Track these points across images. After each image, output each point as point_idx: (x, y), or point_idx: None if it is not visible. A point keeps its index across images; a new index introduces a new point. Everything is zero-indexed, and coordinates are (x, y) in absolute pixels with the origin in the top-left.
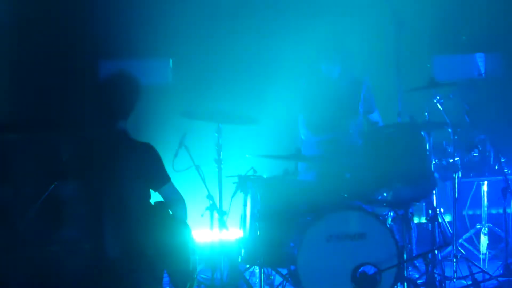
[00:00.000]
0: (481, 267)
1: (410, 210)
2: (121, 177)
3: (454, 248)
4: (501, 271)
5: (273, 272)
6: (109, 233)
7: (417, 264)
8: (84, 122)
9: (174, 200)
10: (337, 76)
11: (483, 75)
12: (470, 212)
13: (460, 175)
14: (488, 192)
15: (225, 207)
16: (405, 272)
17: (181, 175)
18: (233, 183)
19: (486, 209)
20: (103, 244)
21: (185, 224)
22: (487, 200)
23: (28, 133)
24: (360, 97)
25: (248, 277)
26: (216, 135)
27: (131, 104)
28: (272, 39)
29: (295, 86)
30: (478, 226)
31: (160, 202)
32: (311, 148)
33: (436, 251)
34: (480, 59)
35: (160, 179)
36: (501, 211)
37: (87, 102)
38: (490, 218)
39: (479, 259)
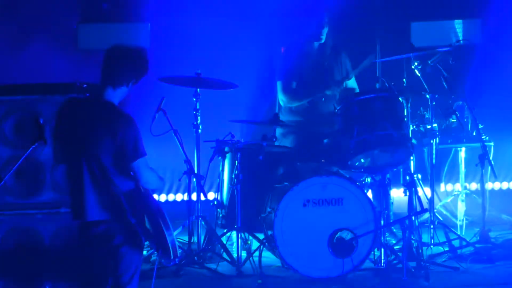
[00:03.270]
0: (458, 233)
1: (387, 176)
2: (100, 145)
3: (432, 214)
4: (478, 238)
5: (250, 237)
6: (89, 197)
7: (394, 230)
8: (64, 86)
9: (146, 178)
10: (321, 41)
11: (461, 41)
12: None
13: (437, 142)
14: (465, 159)
15: (202, 172)
16: (382, 238)
17: (159, 140)
18: (211, 148)
19: (463, 175)
20: (83, 208)
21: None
22: (465, 167)
23: (7, 95)
24: (338, 65)
25: (225, 242)
26: (194, 99)
27: (120, 73)
28: (253, 3)
29: (274, 53)
30: (456, 193)
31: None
32: (289, 115)
33: (413, 217)
34: (458, 25)
35: (134, 153)
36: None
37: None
38: None
39: (456, 225)
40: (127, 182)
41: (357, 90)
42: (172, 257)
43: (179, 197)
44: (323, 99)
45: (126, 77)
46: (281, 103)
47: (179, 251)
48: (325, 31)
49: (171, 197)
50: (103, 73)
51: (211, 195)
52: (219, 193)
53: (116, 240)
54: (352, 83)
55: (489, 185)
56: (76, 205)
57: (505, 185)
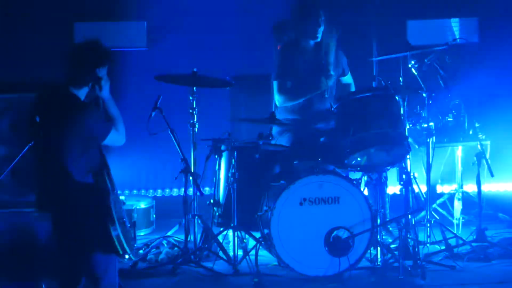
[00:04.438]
0: (455, 232)
1: (384, 174)
2: (62, 137)
3: (428, 213)
4: (474, 236)
5: (247, 236)
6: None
7: (390, 228)
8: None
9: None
10: (317, 39)
11: (458, 40)
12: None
13: (434, 140)
14: (462, 157)
15: (199, 170)
16: (378, 236)
17: (155, 138)
18: (208, 146)
19: (460, 174)
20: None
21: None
22: (461, 166)
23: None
24: (333, 62)
25: (221, 241)
26: (191, 98)
27: (79, 74)
28: (249, 2)
29: (270, 52)
30: (452, 191)
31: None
32: (285, 113)
33: (409, 216)
34: (455, 24)
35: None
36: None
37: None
38: None
39: (452, 224)
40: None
41: (353, 86)
42: (121, 253)
43: (175, 192)
44: (318, 94)
45: (85, 77)
46: (277, 103)
47: (128, 247)
48: (321, 29)
49: (167, 192)
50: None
51: (207, 194)
52: (215, 191)
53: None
54: (348, 79)
55: (485, 186)
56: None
57: (502, 187)
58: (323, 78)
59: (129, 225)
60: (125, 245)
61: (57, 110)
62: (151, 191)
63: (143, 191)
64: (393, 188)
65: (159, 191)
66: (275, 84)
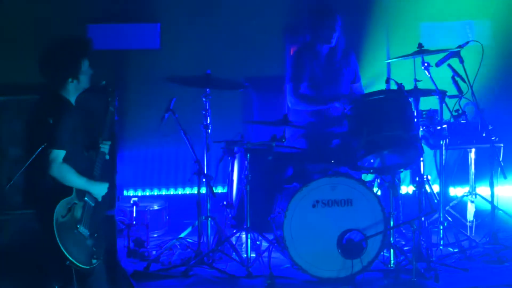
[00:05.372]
0: (468, 234)
1: (397, 177)
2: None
3: (441, 215)
4: (487, 239)
5: (260, 238)
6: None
7: (403, 231)
8: None
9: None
10: (331, 44)
11: (470, 42)
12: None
13: (447, 142)
14: (475, 160)
15: (211, 172)
16: (391, 238)
17: (168, 140)
18: (221, 148)
19: (473, 176)
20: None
21: None
22: (474, 168)
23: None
24: (347, 68)
25: (234, 242)
26: (204, 100)
27: (51, 75)
28: (262, 4)
29: (283, 54)
30: (465, 194)
31: None
32: (298, 116)
33: (422, 218)
34: (468, 26)
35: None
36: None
37: None
38: None
39: (465, 226)
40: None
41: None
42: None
43: (188, 191)
44: (330, 109)
45: (57, 77)
46: (289, 104)
47: (78, 259)
48: (336, 34)
49: (180, 191)
50: None
51: (220, 196)
52: (228, 193)
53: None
54: (358, 87)
55: (498, 188)
56: None
57: None
58: (339, 94)
59: (95, 235)
60: (69, 256)
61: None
62: (164, 190)
63: (155, 190)
64: (405, 188)
65: (172, 190)
66: (288, 87)
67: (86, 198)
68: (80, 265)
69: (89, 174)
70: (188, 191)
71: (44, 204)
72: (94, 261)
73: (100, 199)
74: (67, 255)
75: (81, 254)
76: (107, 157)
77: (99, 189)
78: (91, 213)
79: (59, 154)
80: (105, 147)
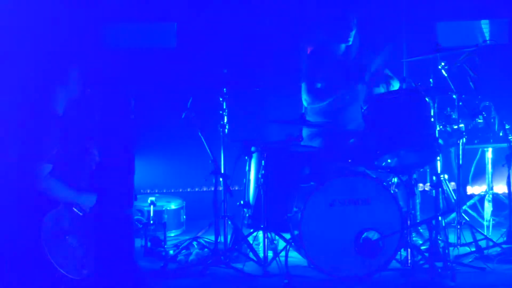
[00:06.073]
0: (485, 234)
1: (414, 176)
2: None
3: (458, 214)
4: (504, 238)
5: (277, 237)
6: None
7: (420, 230)
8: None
9: None
10: (348, 43)
11: (488, 41)
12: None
13: (464, 142)
14: (492, 159)
15: (228, 172)
16: (408, 238)
17: (186, 140)
18: (237, 147)
19: (490, 176)
20: None
21: None
22: (491, 167)
23: None
24: (366, 65)
25: (251, 242)
26: (221, 99)
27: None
28: (278, 3)
29: (299, 52)
30: (482, 193)
31: None
32: (315, 116)
33: (440, 218)
34: (485, 25)
35: None
36: None
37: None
38: None
39: (483, 226)
40: None
41: (395, 77)
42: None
43: (205, 197)
44: (348, 96)
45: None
46: (305, 103)
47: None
48: (352, 33)
49: (196, 190)
50: None
51: (237, 195)
52: (245, 192)
53: None
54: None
55: None
56: None
57: None
58: (354, 80)
59: (85, 246)
60: (59, 267)
61: None
62: (180, 189)
63: (172, 190)
64: (421, 185)
65: (189, 189)
66: (303, 85)
67: (74, 208)
68: (70, 277)
69: (77, 184)
70: (204, 188)
71: (32, 216)
72: (84, 271)
73: (88, 210)
74: (57, 267)
75: (70, 265)
76: (96, 161)
77: (87, 201)
78: (80, 223)
79: (45, 168)
80: (95, 153)
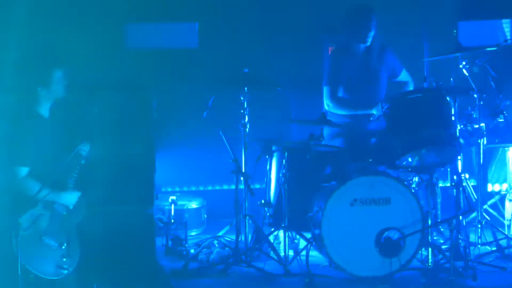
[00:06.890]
0: (506, 233)
1: (435, 175)
2: None
3: (479, 214)
4: None
5: (298, 236)
6: None
7: (441, 229)
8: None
9: None
10: (367, 44)
11: (509, 41)
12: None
13: (485, 141)
14: None
15: (249, 171)
16: (429, 237)
17: (207, 139)
18: (259, 147)
19: (511, 175)
20: None
21: None
22: None
23: None
24: (384, 65)
25: (272, 241)
26: (242, 98)
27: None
28: (300, 3)
29: (321, 53)
30: (503, 192)
31: None
32: (336, 116)
33: (460, 217)
34: (506, 25)
35: None
36: None
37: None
38: None
39: (503, 225)
40: None
41: (411, 83)
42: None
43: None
44: (371, 118)
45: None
46: (326, 107)
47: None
48: (372, 33)
49: (217, 187)
50: None
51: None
52: (266, 192)
53: None
54: (403, 77)
55: None
56: None
57: None
58: (374, 93)
59: (65, 245)
60: (32, 269)
61: None
62: (201, 187)
63: (193, 188)
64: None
65: (209, 187)
66: (325, 90)
67: (55, 207)
68: (47, 277)
69: (61, 182)
70: (225, 186)
71: (6, 218)
72: (64, 271)
73: (71, 207)
74: (30, 269)
75: (47, 266)
76: (83, 161)
77: (69, 198)
78: (61, 222)
79: (21, 171)
80: (83, 150)
